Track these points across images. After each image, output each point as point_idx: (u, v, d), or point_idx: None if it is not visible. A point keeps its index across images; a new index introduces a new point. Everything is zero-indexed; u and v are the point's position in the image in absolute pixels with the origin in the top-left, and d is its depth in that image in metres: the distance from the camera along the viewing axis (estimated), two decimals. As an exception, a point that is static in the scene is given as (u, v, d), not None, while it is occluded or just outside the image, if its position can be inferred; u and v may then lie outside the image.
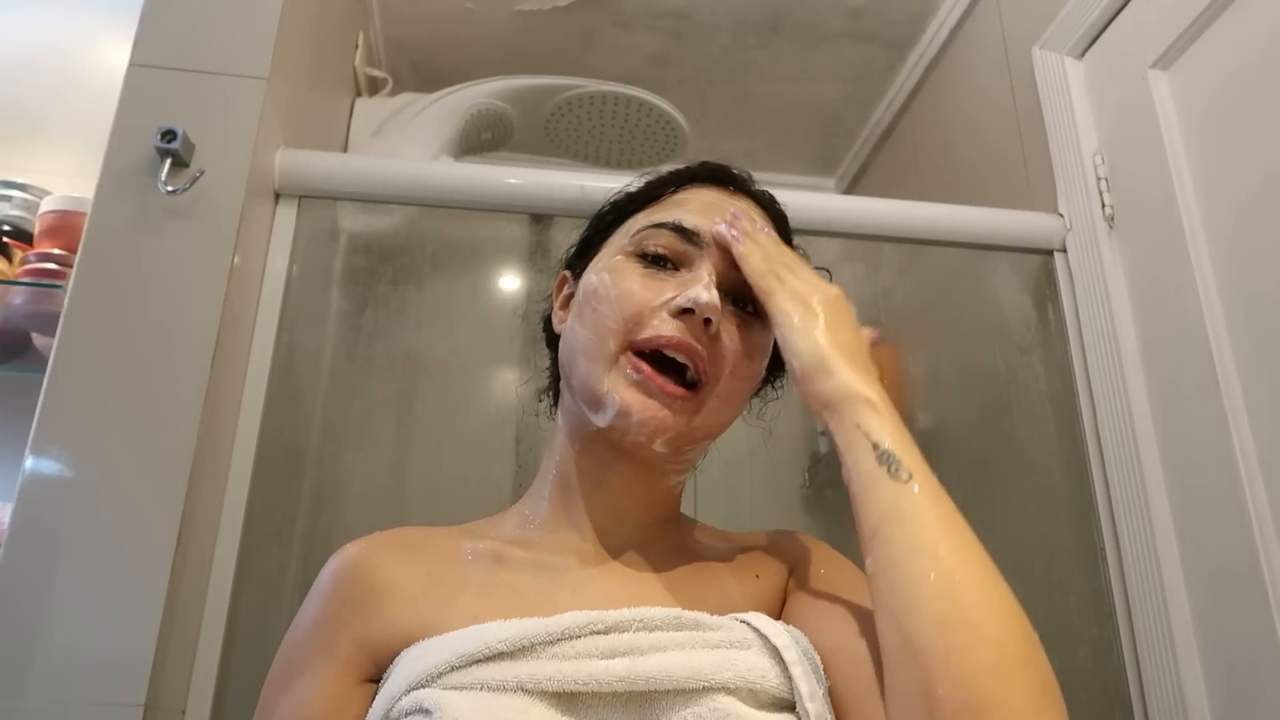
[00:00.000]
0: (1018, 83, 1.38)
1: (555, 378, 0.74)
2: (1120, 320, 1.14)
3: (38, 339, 1.20)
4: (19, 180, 1.27)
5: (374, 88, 1.66)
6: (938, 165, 1.70)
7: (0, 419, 1.11)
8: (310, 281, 1.09)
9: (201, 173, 0.93)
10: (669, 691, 0.52)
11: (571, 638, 0.54)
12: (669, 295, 0.63)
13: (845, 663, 0.55)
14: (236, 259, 0.94)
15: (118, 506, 0.84)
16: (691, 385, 0.62)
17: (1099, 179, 1.20)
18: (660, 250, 0.65)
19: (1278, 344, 0.93)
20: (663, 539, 0.69)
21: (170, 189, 0.92)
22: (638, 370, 0.61)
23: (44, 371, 0.86)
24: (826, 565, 0.66)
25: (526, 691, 0.52)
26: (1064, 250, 1.24)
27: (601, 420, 0.62)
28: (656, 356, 0.62)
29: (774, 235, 0.69)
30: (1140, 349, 1.12)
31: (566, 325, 0.69)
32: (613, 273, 0.65)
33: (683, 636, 0.55)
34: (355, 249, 1.17)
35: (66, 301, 0.89)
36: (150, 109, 0.95)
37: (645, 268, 0.65)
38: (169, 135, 0.92)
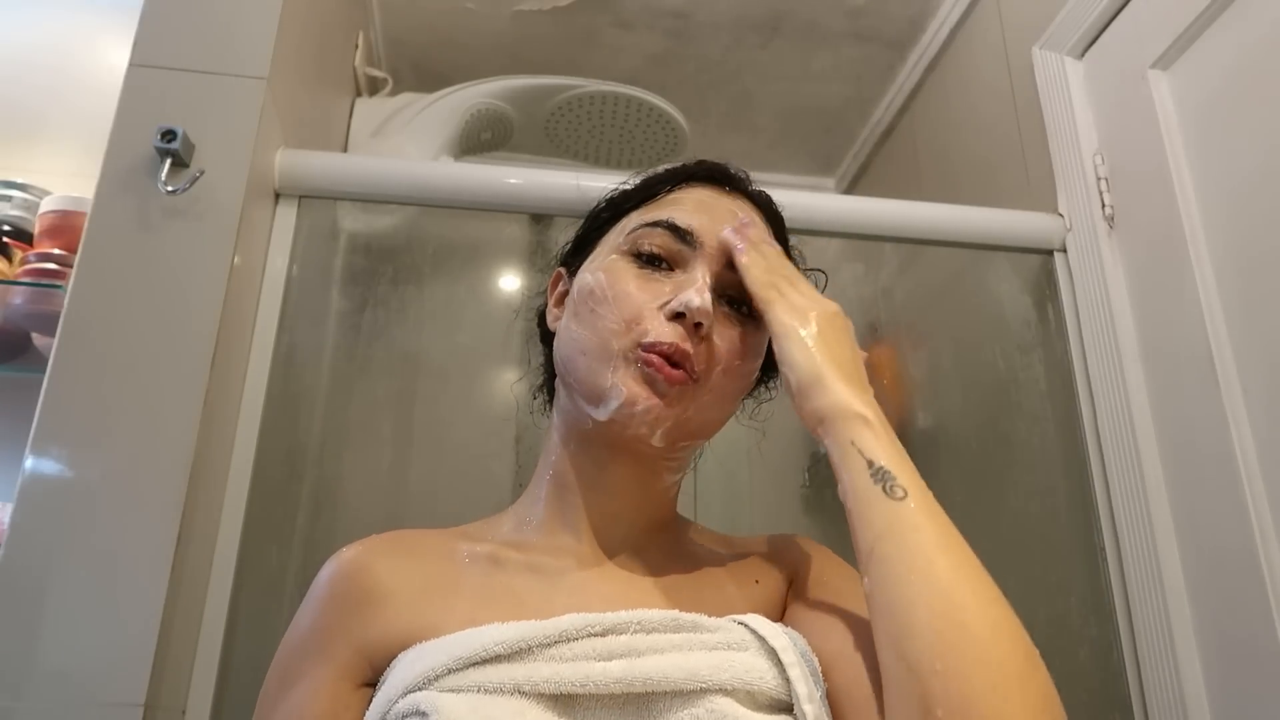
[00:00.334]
0: (1018, 83, 1.38)
1: (550, 374, 0.74)
2: (1120, 320, 1.14)
3: (38, 339, 1.20)
4: (19, 180, 1.27)
5: (374, 88, 1.66)
6: (938, 165, 1.70)
7: (0, 419, 1.11)
8: (310, 281, 1.09)
9: (201, 173, 0.93)
10: (666, 693, 0.52)
11: (569, 640, 0.54)
12: (664, 298, 0.63)
13: (846, 670, 0.55)
14: (236, 259, 0.94)
15: (118, 506, 0.84)
16: (693, 373, 0.63)
17: (1099, 179, 1.20)
18: (655, 250, 0.66)
19: (1278, 344, 0.93)
20: (659, 541, 0.69)
21: (170, 189, 0.92)
22: (648, 363, 0.61)
23: (44, 371, 0.86)
24: (828, 571, 0.66)
25: (523, 694, 0.52)
26: (1064, 250, 1.24)
27: (603, 413, 0.62)
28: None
29: (778, 247, 0.69)
30: (1140, 349, 1.12)
31: (562, 324, 0.69)
32: (608, 273, 0.65)
33: (680, 638, 0.55)
34: (355, 249, 1.17)
35: (66, 301, 0.89)
36: (150, 109, 0.95)
37: (640, 268, 0.65)
38: (169, 135, 0.92)
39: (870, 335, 1.27)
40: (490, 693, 0.52)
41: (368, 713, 0.56)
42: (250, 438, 0.99)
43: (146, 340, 0.89)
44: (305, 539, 1.00)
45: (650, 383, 0.61)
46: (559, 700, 0.52)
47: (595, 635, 0.54)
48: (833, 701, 0.55)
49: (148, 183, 0.93)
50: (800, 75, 1.83)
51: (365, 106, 1.57)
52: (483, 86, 1.56)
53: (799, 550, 0.70)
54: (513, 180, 1.13)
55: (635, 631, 0.55)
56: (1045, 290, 1.24)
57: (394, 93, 1.64)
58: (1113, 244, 1.18)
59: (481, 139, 1.62)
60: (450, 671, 0.53)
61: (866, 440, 0.55)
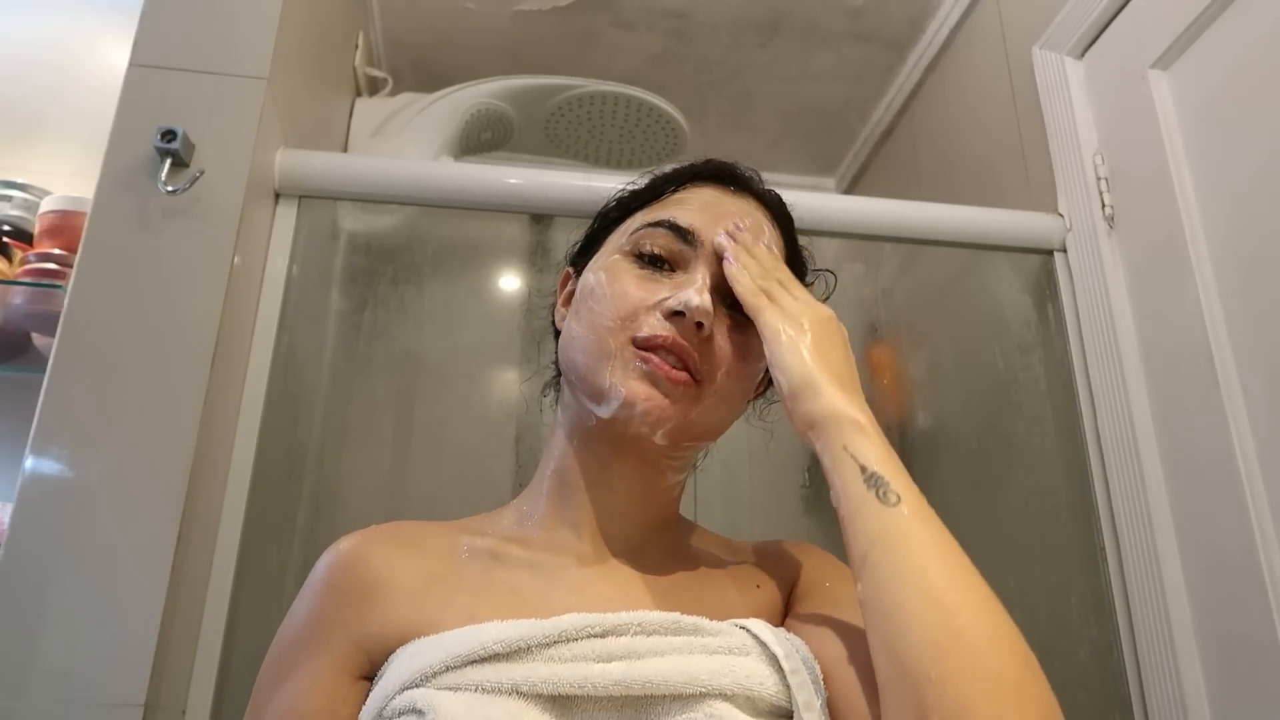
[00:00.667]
0: (1018, 83, 1.38)
1: (559, 371, 0.74)
2: (1120, 320, 1.14)
3: (38, 339, 1.20)
4: (19, 180, 1.27)
5: (374, 88, 1.66)
6: (938, 165, 1.70)
7: (0, 419, 1.11)
8: (310, 281, 1.09)
9: (201, 173, 0.93)
10: (665, 697, 0.52)
11: (568, 640, 0.53)
12: (662, 296, 0.63)
13: (847, 678, 0.55)
14: (236, 259, 0.94)
15: (118, 506, 0.84)
16: (694, 372, 0.63)
17: (1099, 179, 1.20)
18: (656, 250, 0.66)
19: (1278, 344, 0.93)
20: (661, 542, 0.68)
21: (170, 189, 0.92)
22: (645, 361, 0.61)
23: (44, 371, 0.86)
24: (832, 578, 0.66)
25: (521, 694, 0.51)
26: (1064, 250, 1.24)
27: (605, 411, 0.62)
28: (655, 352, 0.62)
29: (774, 249, 0.68)
30: (1140, 349, 1.12)
31: (566, 323, 0.69)
32: (609, 272, 0.66)
33: (680, 641, 0.55)
34: (355, 249, 1.17)
35: (66, 301, 0.89)
36: (150, 109, 0.95)
37: (641, 268, 0.65)
38: (169, 135, 0.92)
39: (870, 335, 1.27)
40: (488, 692, 0.51)
41: (365, 707, 0.56)
42: (250, 438, 0.99)
43: (146, 340, 0.89)
44: (305, 539, 1.00)
45: (652, 381, 0.61)
46: (556, 701, 0.52)
47: (595, 636, 0.54)
48: (833, 709, 0.55)
49: (148, 183, 0.93)
50: (800, 75, 1.83)
51: (365, 106, 1.57)
52: (483, 86, 1.56)
53: (802, 555, 0.69)
54: (513, 180, 1.13)
55: (635, 633, 0.54)
56: (1045, 290, 1.24)
57: (394, 93, 1.64)
58: (1113, 244, 1.18)
59: (481, 139, 1.62)
60: (448, 669, 0.52)
61: (860, 445, 0.55)
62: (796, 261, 0.74)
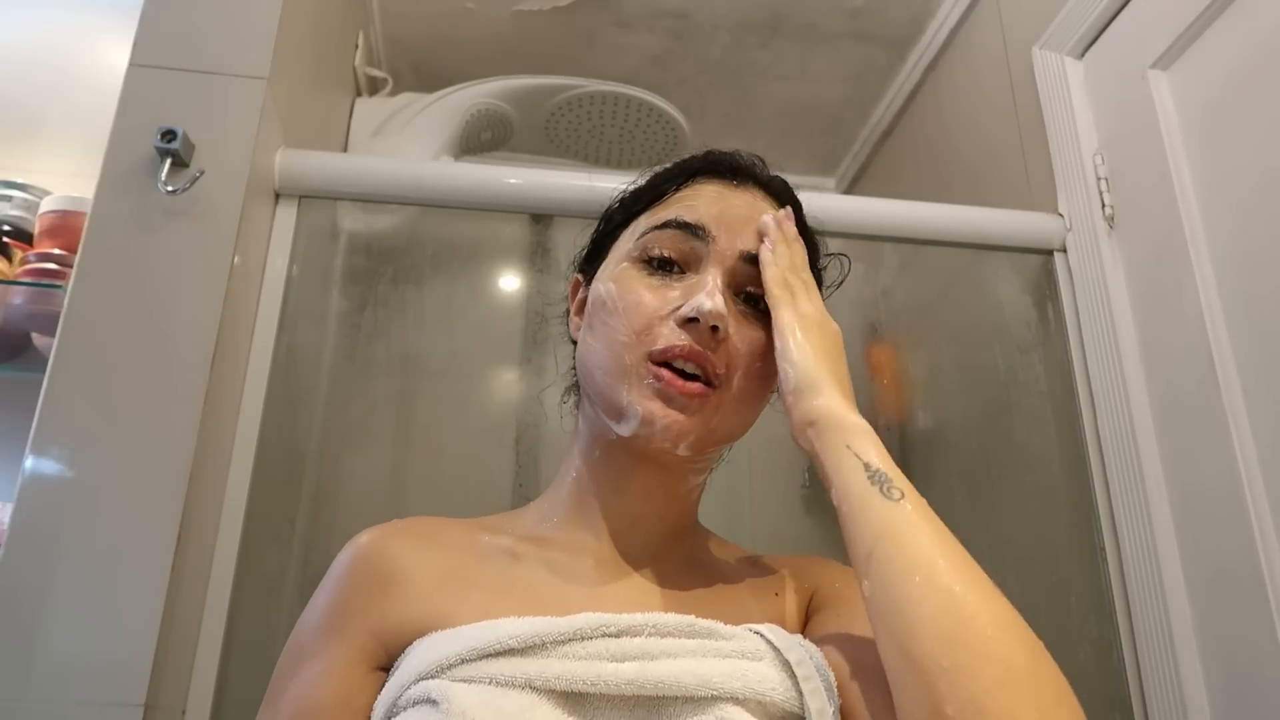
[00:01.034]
0: (1018, 83, 1.38)
1: (574, 386, 0.74)
2: (1120, 320, 1.14)
3: (38, 339, 1.20)
4: (19, 180, 1.27)
5: (374, 88, 1.66)
6: (938, 165, 1.70)
7: (0, 419, 1.11)
8: (310, 281, 1.09)
9: (201, 173, 0.93)
10: (677, 698, 0.52)
11: (583, 638, 0.54)
12: (675, 304, 0.62)
13: (860, 685, 0.55)
14: (236, 259, 0.94)
15: (118, 506, 0.84)
16: (707, 383, 0.62)
17: (1099, 179, 1.20)
18: (665, 253, 0.65)
19: (1278, 344, 0.93)
20: (679, 549, 0.68)
21: (170, 189, 0.92)
22: (657, 378, 0.61)
23: (44, 371, 0.86)
24: (850, 590, 0.65)
25: (534, 689, 0.52)
26: (1064, 250, 1.24)
27: (625, 430, 0.62)
28: (670, 365, 0.62)
29: (804, 252, 0.68)
30: (1140, 349, 1.12)
31: (580, 335, 0.68)
32: (619, 283, 0.65)
33: (694, 644, 0.55)
34: (355, 249, 1.17)
35: (66, 301, 0.89)
36: (150, 109, 0.95)
37: (650, 274, 0.65)
38: (169, 135, 0.92)
39: (870, 335, 1.27)
40: (502, 685, 0.52)
41: (380, 697, 0.56)
42: (250, 438, 0.99)
43: (146, 340, 0.89)
44: (305, 539, 1.00)
45: (666, 400, 0.61)
46: (569, 698, 0.52)
47: (610, 635, 0.54)
48: (845, 717, 0.55)
49: (148, 183, 0.93)
50: (800, 75, 1.83)
51: (365, 106, 1.57)
52: (483, 86, 1.56)
53: (822, 568, 0.69)
54: (513, 180, 1.13)
55: (650, 634, 0.55)
56: (1045, 290, 1.24)
57: (394, 93, 1.64)
58: (1113, 244, 1.18)
59: (481, 139, 1.62)
60: (463, 661, 0.53)
61: (863, 444, 0.56)
62: (809, 244, 0.73)
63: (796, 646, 0.56)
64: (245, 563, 0.95)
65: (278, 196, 1.09)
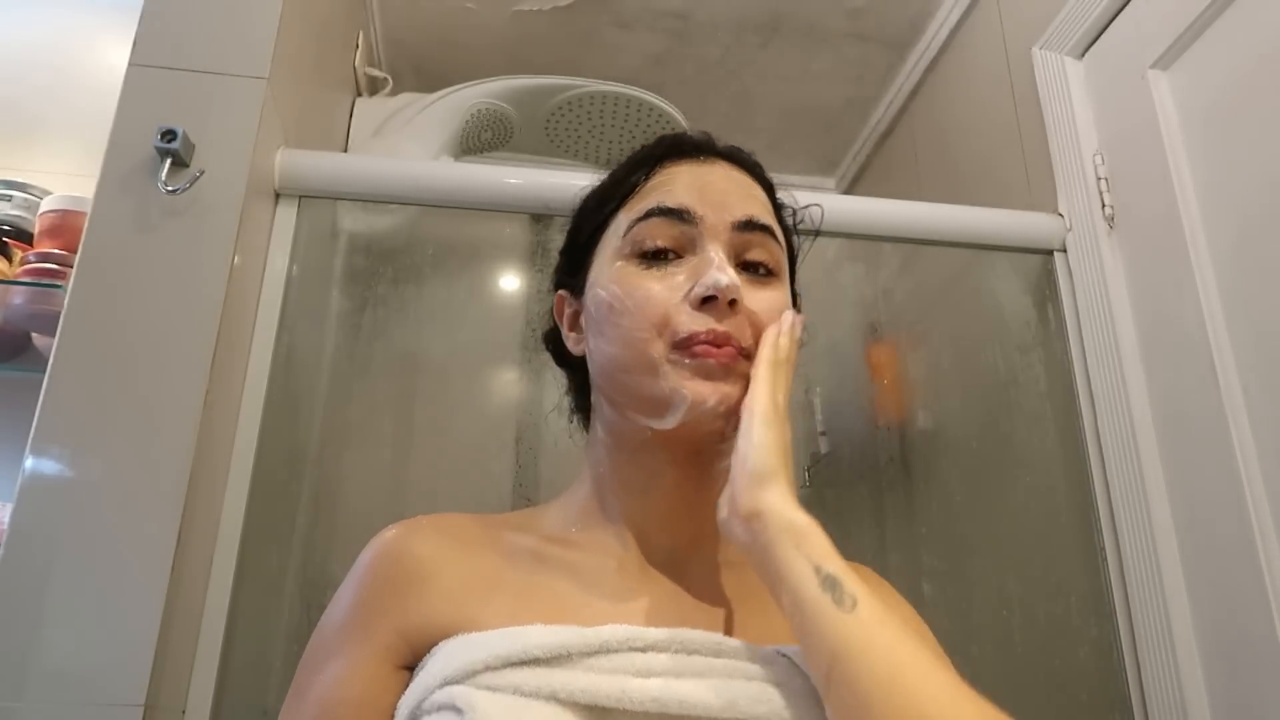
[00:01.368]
0: (1018, 83, 1.38)
1: (580, 395, 0.73)
2: (1120, 320, 1.14)
3: (38, 339, 1.20)
4: (19, 180, 1.27)
5: (374, 88, 1.66)
6: (938, 165, 1.70)
7: (0, 419, 1.11)
8: (310, 281, 1.09)
9: (201, 173, 0.93)
10: (701, 718, 0.52)
11: (609, 651, 0.53)
12: (685, 288, 0.61)
13: None
14: (236, 259, 0.94)
15: (118, 506, 0.83)
16: (742, 350, 0.61)
17: (1099, 179, 1.20)
18: (658, 243, 0.63)
19: (1278, 344, 0.93)
20: (705, 554, 0.67)
21: (170, 189, 0.92)
22: (693, 356, 0.60)
23: (44, 371, 0.86)
24: (885, 603, 0.65)
25: (559, 701, 0.51)
26: (1064, 250, 1.24)
27: (671, 421, 0.61)
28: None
29: (795, 357, 0.65)
30: (1140, 349, 1.12)
31: (589, 345, 0.67)
32: (620, 282, 0.63)
33: (721, 664, 0.54)
34: (355, 249, 1.17)
35: (66, 301, 0.89)
36: (150, 109, 0.95)
37: (649, 267, 0.63)
38: (169, 135, 0.92)
39: (870, 335, 1.27)
40: (526, 695, 0.51)
41: (404, 697, 0.56)
42: (250, 438, 0.99)
43: (146, 340, 0.89)
44: (305, 539, 1.00)
45: (707, 374, 0.60)
46: (593, 711, 0.52)
47: (636, 650, 0.54)
48: None
49: (148, 183, 0.93)
50: (800, 75, 1.83)
51: (365, 106, 1.57)
52: (483, 86, 1.56)
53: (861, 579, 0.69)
54: (513, 180, 1.13)
55: (676, 651, 0.54)
56: (1045, 290, 1.24)
57: (394, 93, 1.64)
58: (1113, 244, 1.18)
59: (481, 139, 1.62)
60: (488, 669, 0.52)
61: (813, 545, 0.53)
62: (787, 238, 0.71)
63: None
64: (245, 563, 0.94)
65: (278, 196, 1.09)
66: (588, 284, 0.67)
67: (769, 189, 0.72)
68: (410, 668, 0.59)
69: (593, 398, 0.70)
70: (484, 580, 0.61)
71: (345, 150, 1.50)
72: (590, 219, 0.70)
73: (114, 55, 1.04)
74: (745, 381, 0.61)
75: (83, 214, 1.14)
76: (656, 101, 1.60)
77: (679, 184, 0.66)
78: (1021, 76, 1.36)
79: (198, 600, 0.90)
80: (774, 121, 1.98)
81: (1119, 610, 1.08)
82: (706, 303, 0.60)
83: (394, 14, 1.66)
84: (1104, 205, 1.19)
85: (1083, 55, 1.26)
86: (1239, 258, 0.99)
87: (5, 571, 0.80)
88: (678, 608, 0.62)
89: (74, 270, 0.90)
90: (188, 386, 0.88)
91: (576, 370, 0.72)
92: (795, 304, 0.71)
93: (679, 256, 0.63)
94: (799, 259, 0.74)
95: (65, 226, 1.18)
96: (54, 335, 0.88)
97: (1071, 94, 1.25)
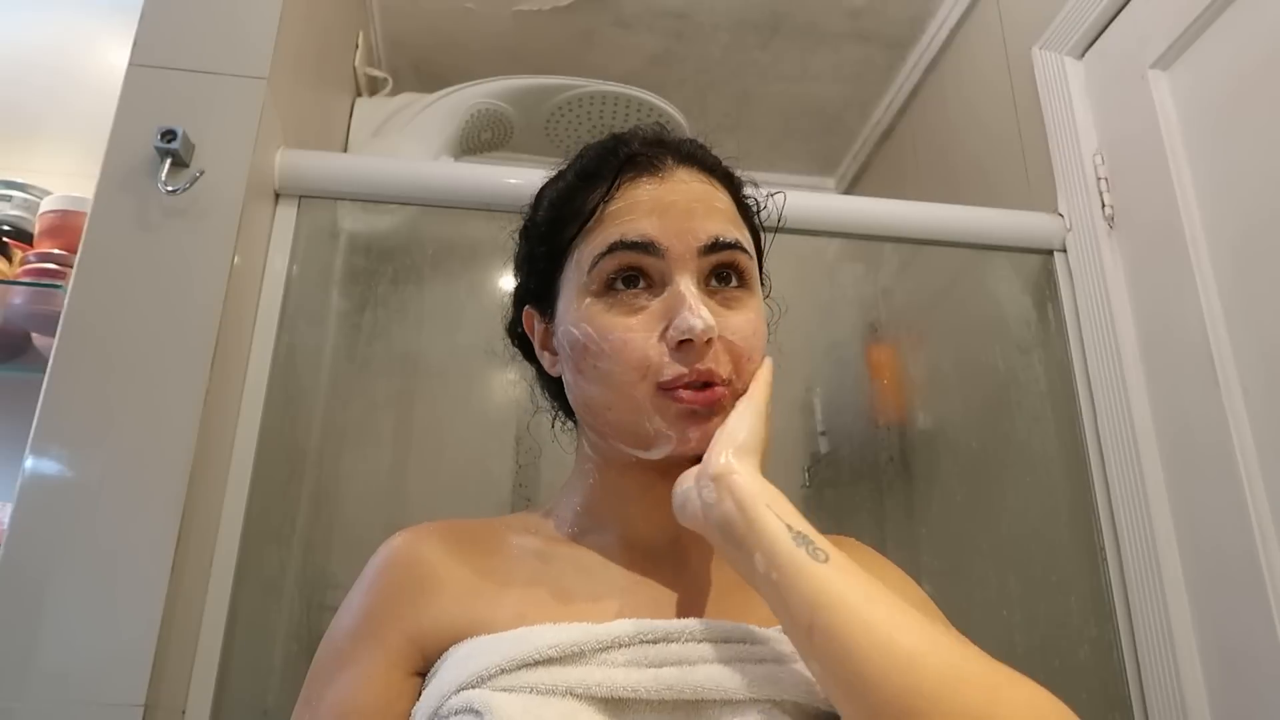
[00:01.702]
0: (1018, 83, 1.38)
1: (560, 406, 0.73)
2: (1120, 320, 1.14)
3: (38, 339, 1.20)
4: (19, 180, 1.27)
5: (374, 88, 1.66)
6: (938, 165, 1.70)
7: (0, 419, 1.11)
8: (310, 281, 1.09)
9: (201, 173, 0.93)
10: (716, 702, 0.53)
11: (621, 645, 0.55)
12: (660, 325, 0.60)
13: None
14: (236, 259, 0.94)
15: (118, 506, 0.84)
16: (724, 382, 0.61)
17: (1099, 179, 1.20)
18: (624, 274, 0.62)
19: (1278, 344, 0.93)
20: (704, 544, 0.66)
21: (170, 189, 0.92)
22: (677, 400, 0.60)
23: (44, 371, 0.86)
24: (876, 569, 0.64)
25: (575, 696, 0.53)
26: (1064, 250, 1.24)
27: (657, 454, 0.61)
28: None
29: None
30: (1140, 349, 1.12)
31: (568, 378, 0.66)
32: (591, 322, 0.61)
33: (730, 649, 0.56)
34: (355, 249, 1.17)
35: (66, 301, 0.89)
36: (150, 109, 0.95)
37: (616, 297, 0.62)
38: (169, 135, 0.92)
39: (870, 335, 1.27)
40: (542, 694, 0.53)
41: (420, 704, 0.57)
42: (250, 438, 0.99)
43: (146, 340, 0.89)
44: (305, 539, 1.00)
45: (692, 416, 0.60)
46: (609, 704, 0.53)
47: (648, 642, 0.55)
48: None
49: (148, 183, 0.93)
50: (800, 75, 1.83)
51: (365, 106, 1.57)
52: (483, 86, 1.56)
53: (847, 548, 0.68)
54: (513, 180, 1.13)
55: (686, 640, 0.56)
56: (1045, 290, 1.24)
57: (394, 93, 1.64)
58: (1113, 244, 1.18)
59: (481, 139, 1.62)
60: (503, 671, 0.53)
61: (782, 506, 0.54)
62: (752, 231, 0.70)
63: None
64: (245, 563, 0.94)
65: (278, 196, 1.09)
66: (556, 315, 0.66)
67: (731, 184, 0.69)
68: (422, 673, 0.59)
69: (576, 416, 0.70)
70: (492, 582, 0.62)
71: (345, 150, 1.50)
72: (550, 239, 0.68)
73: (114, 55, 1.05)
74: (728, 412, 0.61)
75: (83, 214, 1.14)
76: (656, 101, 1.60)
77: (639, 210, 0.63)
78: (1021, 76, 1.36)
79: (198, 600, 0.90)
80: (774, 121, 1.98)
81: (1119, 610, 1.08)
82: (684, 344, 0.60)
83: (394, 14, 1.66)
84: (1104, 205, 1.19)
85: (1083, 55, 1.26)
86: (1239, 257, 0.99)
87: (5, 571, 0.81)
88: (684, 597, 0.63)
89: (74, 270, 0.91)
90: (188, 386, 0.88)
91: (553, 380, 0.71)
92: (762, 284, 0.70)
93: (649, 282, 0.62)
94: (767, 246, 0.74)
95: (65, 226, 1.18)
96: (54, 335, 0.88)
97: (1071, 94, 1.25)
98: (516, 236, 0.74)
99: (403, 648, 0.59)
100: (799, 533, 0.52)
